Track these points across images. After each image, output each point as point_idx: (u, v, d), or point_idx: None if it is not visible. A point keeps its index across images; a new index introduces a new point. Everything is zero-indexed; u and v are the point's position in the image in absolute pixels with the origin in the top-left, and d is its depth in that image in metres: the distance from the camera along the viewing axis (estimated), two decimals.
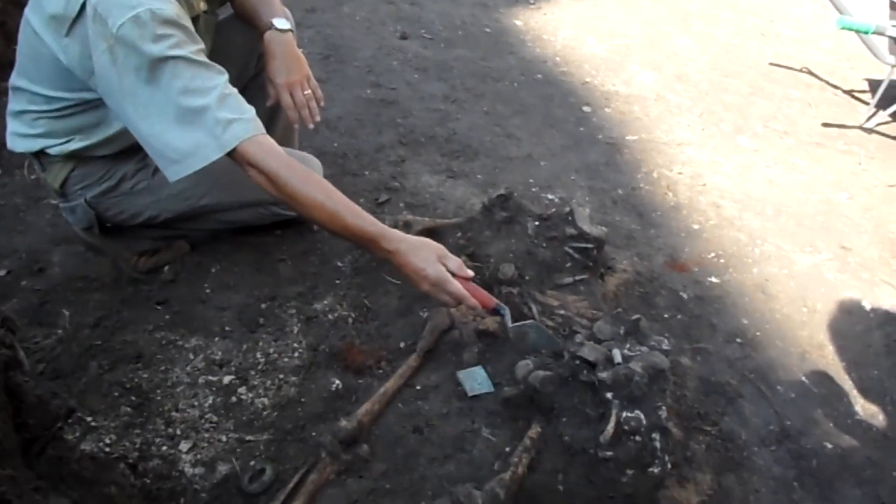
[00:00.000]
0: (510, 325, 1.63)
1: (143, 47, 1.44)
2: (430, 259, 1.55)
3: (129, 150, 1.80)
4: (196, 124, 1.49)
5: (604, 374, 1.45)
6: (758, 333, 2.17)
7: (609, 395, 1.44)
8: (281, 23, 1.89)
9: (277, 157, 1.55)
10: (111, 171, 1.83)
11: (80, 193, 1.84)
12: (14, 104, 1.75)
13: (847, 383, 2.06)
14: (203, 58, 1.54)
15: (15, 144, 1.78)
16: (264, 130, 1.57)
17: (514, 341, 1.68)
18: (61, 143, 1.74)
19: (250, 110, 1.57)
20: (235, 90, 1.57)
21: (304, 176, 1.57)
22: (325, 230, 1.67)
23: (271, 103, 1.93)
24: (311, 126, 1.95)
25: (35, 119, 1.72)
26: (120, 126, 1.66)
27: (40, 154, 1.79)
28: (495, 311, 1.63)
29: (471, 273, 1.61)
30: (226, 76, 1.57)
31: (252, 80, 2.15)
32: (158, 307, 1.95)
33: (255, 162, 1.53)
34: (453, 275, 1.57)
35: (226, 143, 1.50)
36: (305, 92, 1.90)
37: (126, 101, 1.50)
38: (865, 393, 2.04)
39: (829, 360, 2.13)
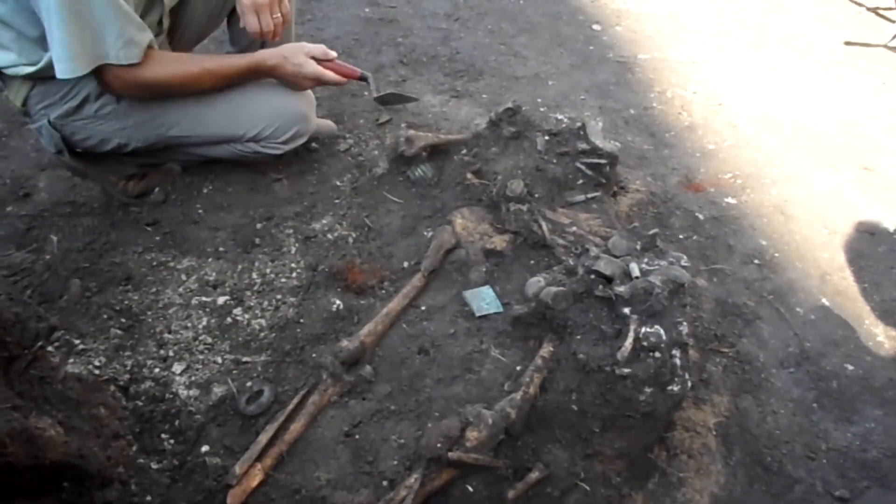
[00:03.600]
0: (374, 94, 1.94)
1: None
2: (302, 62, 1.80)
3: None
4: (100, 31, 1.52)
5: (621, 289, 1.36)
6: (776, 255, 2.07)
7: (626, 310, 1.35)
8: None
9: (141, 70, 1.63)
10: (73, 90, 1.71)
11: (43, 113, 1.73)
12: None
13: (868, 305, 1.98)
14: None
15: None
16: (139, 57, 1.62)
17: (379, 101, 1.98)
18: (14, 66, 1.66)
19: (145, 32, 1.62)
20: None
21: (166, 65, 1.69)
22: (217, 88, 1.81)
23: (243, 25, 1.82)
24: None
25: None
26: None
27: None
28: (362, 78, 1.92)
29: (334, 54, 1.86)
30: None
31: None
32: (148, 228, 1.85)
33: (123, 84, 1.65)
34: (321, 62, 1.83)
35: (120, 58, 1.57)
36: (274, 16, 1.80)
37: None
38: (887, 315, 1.96)
39: (850, 282, 2.04)
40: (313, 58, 1.83)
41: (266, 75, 1.84)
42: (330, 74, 1.85)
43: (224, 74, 1.77)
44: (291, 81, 1.85)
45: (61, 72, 1.55)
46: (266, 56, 1.79)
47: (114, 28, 1.52)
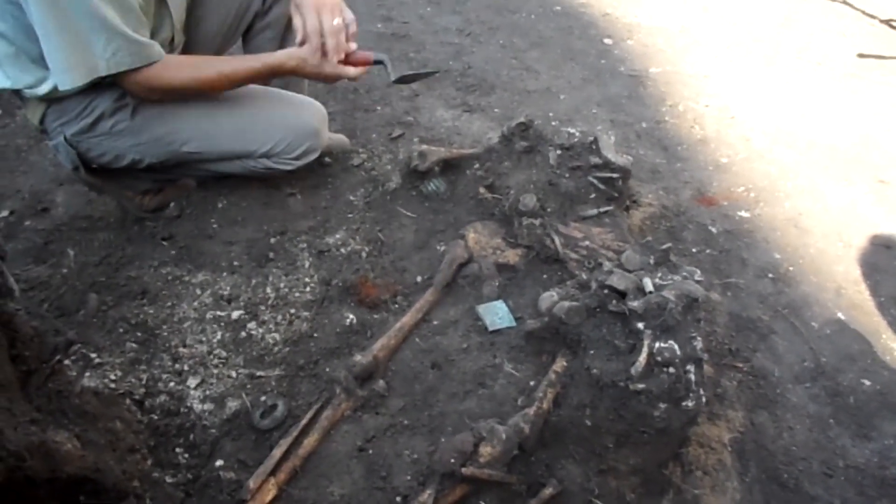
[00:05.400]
0: (391, 76, 1.81)
1: None
2: (319, 62, 1.73)
3: (103, 85, 1.68)
4: (87, 42, 1.53)
5: (635, 304, 1.36)
6: (791, 268, 2.06)
7: (640, 325, 1.34)
8: None
9: (158, 74, 1.65)
10: (88, 107, 1.72)
11: (60, 130, 1.74)
12: None
13: (885, 319, 1.96)
14: None
15: None
16: (157, 57, 1.63)
17: (398, 82, 1.84)
18: (34, 86, 1.67)
19: (141, 41, 1.60)
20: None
21: (183, 69, 1.71)
22: (235, 88, 1.82)
23: (300, 39, 1.73)
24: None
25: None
26: None
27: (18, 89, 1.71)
28: (378, 62, 1.82)
29: (353, 46, 1.77)
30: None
31: (258, 17, 2.03)
32: (164, 243, 1.87)
33: (143, 89, 1.67)
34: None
35: (111, 67, 1.58)
36: (335, 21, 1.69)
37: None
38: None
39: (866, 296, 2.02)
40: None
41: (285, 75, 1.81)
42: (350, 71, 1.76)
43: (240, 78, 1.76)
44: (316, 79, 1.81)
45: (61, 83, 1.58)
46: (284, 58, 1.74)
47: (100, 39, 1.53)
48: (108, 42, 1.54)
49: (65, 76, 1.56)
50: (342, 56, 1.74)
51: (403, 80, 1.84)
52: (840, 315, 1.95)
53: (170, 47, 1.82)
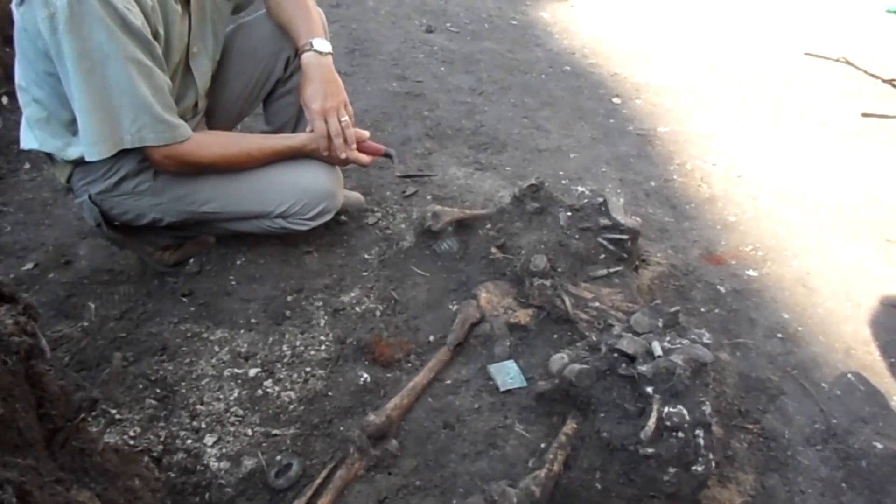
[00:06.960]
0: (396, 170, 2.23)
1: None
2: (339, 146, 1.89)
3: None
4: (117, 118, 1.60)
5: (644, 368, 1.39)
6: (800, 328, 2.08)
7: (649, 389, 1.37)
8: (321, 45, 1.87)
9: (189, 152, 1.73)
10: (113, 168, 1.79)
11: (85, 189, 1.81)
12: (20, 102, 1.74)
13: None
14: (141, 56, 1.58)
15: (22, 141, 1.79)
16: (181, 137, 1.70)
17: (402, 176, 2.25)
18: (61, 149, 1.74)
19: (168, 120, 1.66)
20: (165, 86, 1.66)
21: (210, 147, 1.80)
22: (257, 167, 1.91)
23: (309, 130, 1.90)
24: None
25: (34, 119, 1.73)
26: None
27: None
28: (387, 155, 2.01)
29: (366, 134, 1.96)
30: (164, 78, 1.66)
31: (280, 83, 2.12)
32: (184, 299, 1.92)
33: (173, 164, 1.75)
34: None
35: (135, 141, 1.64)
36: (342, 119, 1.87)
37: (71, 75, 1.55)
38: None
39: (876, 356, 2.03)
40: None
41: (305, 156, 1.93)
42: (362, 158, 1.94)
43: (264, 158, 1.88)
44: (328, 161, 1.94)
45: (88, 155, 1.64)
46: (305, 140, 1.89)
47: (129, 114, 1.60)
48: (135, 117, 1.61)
49: (92, 148, 1.62)
50: (353, 147, 1.91)
51: (406, 175, 2.25)
52: (850, 376, 1.95)
53: (193, 111, 1.91)
